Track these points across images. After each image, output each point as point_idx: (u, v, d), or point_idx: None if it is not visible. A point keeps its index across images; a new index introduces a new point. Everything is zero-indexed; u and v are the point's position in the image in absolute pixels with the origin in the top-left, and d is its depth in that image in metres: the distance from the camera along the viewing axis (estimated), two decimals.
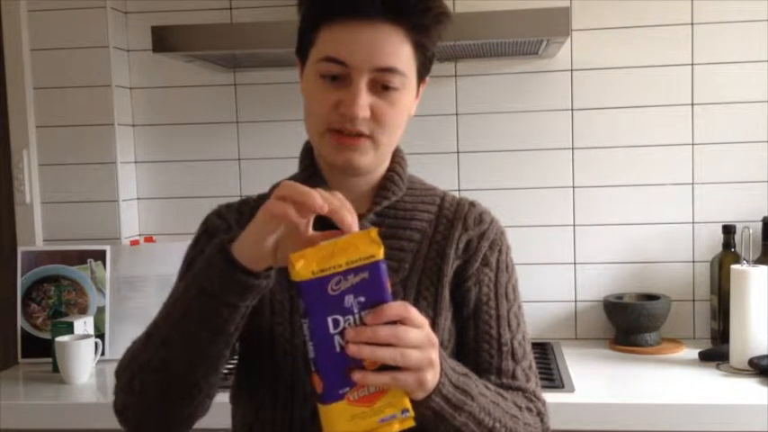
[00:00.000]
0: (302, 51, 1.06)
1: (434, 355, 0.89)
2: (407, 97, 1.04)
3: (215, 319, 0.93)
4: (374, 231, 0.85)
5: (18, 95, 2.22)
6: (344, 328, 0.84)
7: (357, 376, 0.83)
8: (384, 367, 0.85)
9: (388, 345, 0.85)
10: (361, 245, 0.84)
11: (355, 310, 0.84)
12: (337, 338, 0.84)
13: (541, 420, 1.09)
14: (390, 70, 0.99)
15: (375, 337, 0.84)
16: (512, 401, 1.04)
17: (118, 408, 1.03)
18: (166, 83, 2.28)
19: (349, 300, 0.83)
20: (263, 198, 1.16)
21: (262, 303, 1.08)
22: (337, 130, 1.01)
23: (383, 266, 0.85)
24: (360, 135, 1.01)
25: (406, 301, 0.91)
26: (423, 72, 1.06)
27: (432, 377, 0.89)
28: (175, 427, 1.03)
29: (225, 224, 1.13)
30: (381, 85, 1.00)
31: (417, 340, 0.86)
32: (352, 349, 0.83)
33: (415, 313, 0.87)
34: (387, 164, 1.12)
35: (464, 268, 1.10)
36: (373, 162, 1.05)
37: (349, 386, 0.84)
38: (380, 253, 0.84)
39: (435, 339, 0.90)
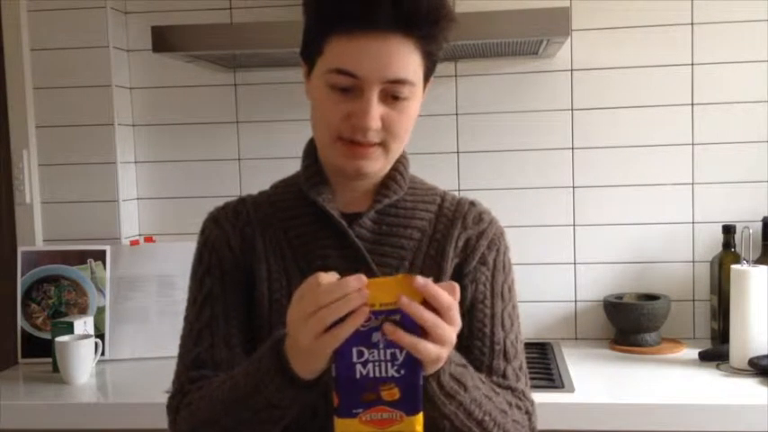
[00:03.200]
0: (308, 56, 1.06)
1: (454, 336, 0.91)
2: (416, 104, 1.05)
3: (282, 421, 0.97)
4: (412, 279, 0.87)
5: (18, 95, 2.22)
6: (367, 359, 0.87)
7: (388, 328, 0.86)
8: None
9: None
10: (397, 289, 0.87)
11: (381, 346, 0.87)
12: (359, 366, 0.87)
13: (529, 419, 1.09)
14: (401, 82, 1.00)
15: (421, 317, 0.86)
16: (503, 397, 1.05)
17: None
18: (166, 83, 2.28)
19: (376, 336, 0.87)
20: (262, 195, 1.16)
21: (260, 303, 1.09)
22: (348, 140, 1.02)
23: None
24: (371, 144, 1.02)
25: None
26: (428, 75, 1.07)
27: (446, 354, 0.90)
28: None
29: (222, 233, 1.12)
30: (392, 96, 1.01)
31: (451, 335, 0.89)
32: (405, 303, 0.85)
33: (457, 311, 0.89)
34: (390, 163, 1.12)
35: (462, 266, 1.11)
36: (382, 168, 1.07)
37: (362, 408, 0.88)
38: (417, 299, 0.87)
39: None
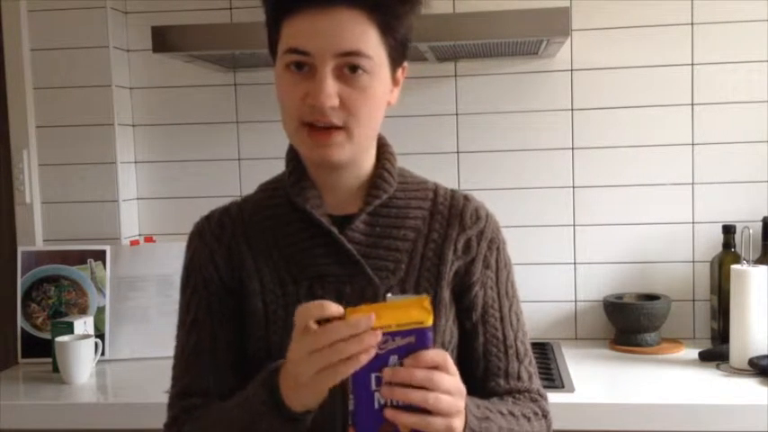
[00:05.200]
0: (272, 49, 1.05)
1: (462, 403, 0.90)
2: (379, 83, 1.01)
3: None
4: (426, 300, 0.87)
5: (18, 95, 2.22)
6: None
7: (389, 413, 0.85)
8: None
9: (422, 388, 0.86)
10: (413, 310, 0.87)
11: None
12: (377, 395, 0.86)
13: (545, 419, 1.10)
14: (354, 53, 0.97)
15: (411, 379, 0.85)
16: (523, 416, 1.05)
17: None
18: (166, 83, 2.28)
19: (393, 359, 0.86)
20: (247, 201, 1.13)
21: (255, 318, 1.06)
22: (309, 124, 0.99)
23: (430, 335, 0.88)
24: (332, 128, 0.99)
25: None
26: (397, 57, 1.03)
27: (459, 424, 0.90)
28: None
29: (207, 249, 1.10)
30: (349, 68, 0.98)
31: (450, 386, 0.88)
32: (385, 391, 0.85)
33: (450, 361, 0.89)
34: (373, 158, 1.10)
35: (467, 271, 1.09)
36: (351, 155, 1.03)
37: None
38: (429, 320, 0.87)
39: (464, 389, 0.91)
